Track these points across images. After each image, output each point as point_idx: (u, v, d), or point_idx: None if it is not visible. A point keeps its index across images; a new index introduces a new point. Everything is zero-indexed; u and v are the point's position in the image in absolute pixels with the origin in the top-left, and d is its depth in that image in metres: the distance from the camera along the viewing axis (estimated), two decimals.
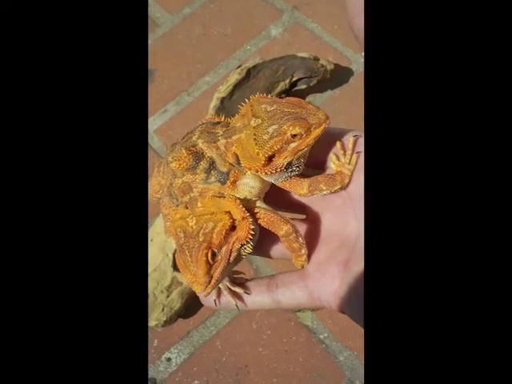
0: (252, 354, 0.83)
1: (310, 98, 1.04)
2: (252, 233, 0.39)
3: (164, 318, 0.82)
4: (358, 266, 0.39)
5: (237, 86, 0.95)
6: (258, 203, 0.42)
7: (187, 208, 0.40)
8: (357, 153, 0.41)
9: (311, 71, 0.97)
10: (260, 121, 0.39)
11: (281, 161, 0.39)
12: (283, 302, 0.43)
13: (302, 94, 1.04)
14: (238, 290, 0.43)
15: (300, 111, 0.39)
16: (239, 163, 0.40)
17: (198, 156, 0.40)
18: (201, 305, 0.87)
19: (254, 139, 0.38)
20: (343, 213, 0.42)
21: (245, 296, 0.43)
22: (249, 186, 0.41)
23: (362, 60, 1.07)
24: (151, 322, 0.82)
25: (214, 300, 0.43)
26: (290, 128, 0.38)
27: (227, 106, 0.93)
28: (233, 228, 0.39)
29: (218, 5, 1.19)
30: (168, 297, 0.81)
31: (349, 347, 0.81)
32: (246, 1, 1.19)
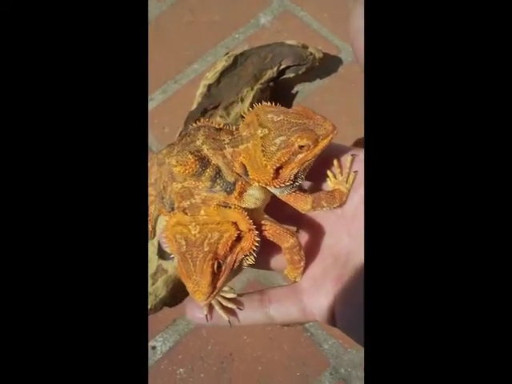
0: (237, 342, 0.83)
1: (298, 87, 1.04)
2: (256, 244, 0.39)
3: (149, 306, 0.81)
4: (351, 282, 0.40)
5: (224, 72, 0.94)
6: (262, 214, 0.42)
7: (186, 214, 0.40)
8: (354, 172, 0.42)
9: (300, 59, 0.96)
10: (267, 131, 0.39)
11: (288, 172, 0.39)
12: (276, 317, 0.43)
13: (291, 83, 1.03)
14: (230, 305, 0.43)
15: (307, 122, 0.39)
16: (247, 174, 0.40)
17: (205, 163, 0.39)
18: (186, 293, 0.87)
19: (262, 150, 0.38)
20: (337, 229, 0.43)
21: (237, 311, 0.43)
22: (254, 197, 0.41)
23: (351, 49, 1.06)
24: None
25: (206, 315, 0.43)
26: (298, 139, 0.38)
27: (214, 93, 0.92)
28: (238, 239, 0.39)
29: None
30: (153, 284, 0.81)
31: (333, 335, 0.81)
32: None
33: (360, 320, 0.36)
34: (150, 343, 0.84)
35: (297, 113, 0.39)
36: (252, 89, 0.93)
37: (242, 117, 0.90)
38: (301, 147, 0.38)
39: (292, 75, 0.99)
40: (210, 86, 0.93)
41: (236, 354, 0.82)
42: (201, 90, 0.94)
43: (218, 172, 0.39)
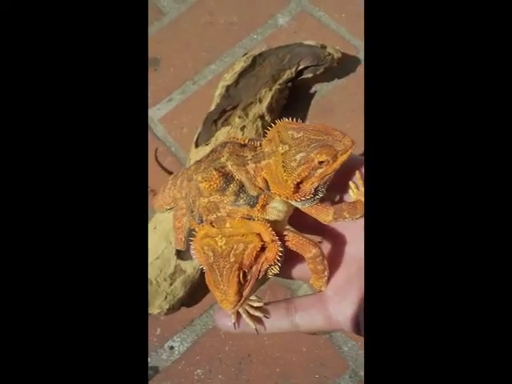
0: (255, 343, 0.83)
1: (316, 87, 1.03)
2: (280, 254, 0.40)
3: (167, 306, 0.81)
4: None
5: (242, 73, 0.94)
6: (286, 226, 0.43)
7: (213, 226, 0.41)
8: None
9: (318, 59, 0.96)
10: (287, 147, 0.40)
11: (308, 186, 0.40)
12: (302, 325, 0.44)
13: (309, 83, 1.03)
14: (257, 313, 0.44)
15: (326, 138, 0.40)
16: (269, 188, 0.41)
17: (228, 178, 0.41)
18: (204, 293, 0.87)
19: (283, 166, 0.40)
20: (360, 239, 0.43)
21: (263, 319, 0.44)
22: (277, 209, 0.42)
23: None
24: (154, 310, 0.81)
25: (234, 323, 0.44)
26: (317, 155, 0.39)
27: (232, 94, 0.92)
28: (262, 249, 0.40)
29: None
30: (171, 285, 0.81)
31: (353, 338, 0.80)
32: None
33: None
34: (168, 343, 0.85)
35: (316, 129, 0.41)
36: (270, 89, 0.93)
37: (261, 117, 0.90)
38: (320, 163, 0.39)
39: (310, 75, 0.99)
40: (228, 87, 0.93)
41: (254, 355, 0.82)
42: (219, 90, 0.94)
43: (242, 187, 0.41)
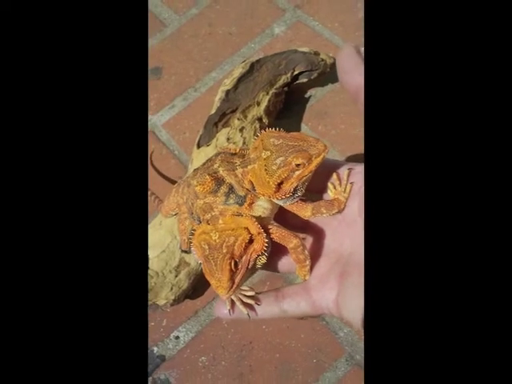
0: (256, 331, 0.87)
1: (311, 91, 1.09)
2: (266, 245, 0.46)
3: (172, 297, 0.86)
4: (352, 277, 0.45)
5: (241, 79, 1.00)
6: (270, 221, 0.49)
7: (209, 224, 0.47)
8: (350, 183, 0.48)
9: (312, 65, 1.01)
10: (269, 153, 0.46)
11: (288, 186, 0.46)
12: (289, 311, 0.49)
13: (304, 88, 1.08)
14: (249, 301, 0.50)
15: (302, 144, 0.46)
16: (254, 189, 0.47)
17: (219, 182, 0.47)
18: (207, 286, 0.92)
19: (265, 169, 0.45)
20: (339, 233, 0.49)
21: (255, 306, 0.50)
22: (262, 207, 0.48)
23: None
24: (160, 301, 0.86)
25: (229, 310, 0.50)
26: (294, 159, 0.45)
27: (232, 98, 0.98)
28: (250, 241, 0.46)
29: (223, 5, 1.25)
30: (176, 276, 0.86)
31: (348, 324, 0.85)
32: (250, 1, 1.24)
33: (360, 311, 0.42)
34: (174, 333, 0.89)
35: (293, 136, 0.47)
36: (267, 93, 0.98)
37: (259, 119, 0.96)
38: (297, 165, 0.45)
39: (305, 80, 1.04)
40: (227, 92, 0.98)
41: (255, 342, 0.86)
42: (219, 95, 1.00)
43: (231, 188, 0.47)
